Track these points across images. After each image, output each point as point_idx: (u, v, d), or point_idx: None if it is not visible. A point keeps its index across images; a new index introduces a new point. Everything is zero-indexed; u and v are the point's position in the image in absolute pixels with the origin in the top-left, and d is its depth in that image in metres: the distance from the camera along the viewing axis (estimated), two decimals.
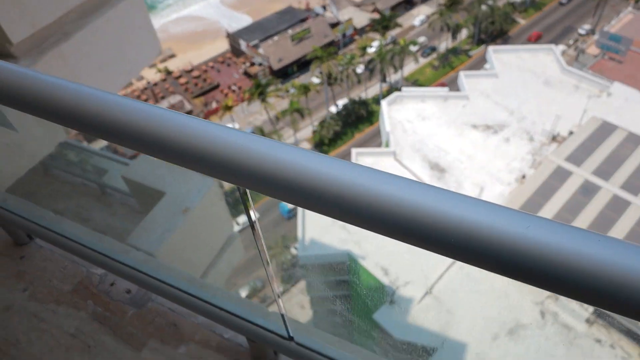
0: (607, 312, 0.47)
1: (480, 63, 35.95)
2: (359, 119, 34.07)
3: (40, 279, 1.67)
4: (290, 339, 1.19)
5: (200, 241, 4.59)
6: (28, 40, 3.13)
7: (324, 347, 1.17)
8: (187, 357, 1.44)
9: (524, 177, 22.13)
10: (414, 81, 36.44)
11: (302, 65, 38.26)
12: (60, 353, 1.47)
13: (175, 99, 36.93)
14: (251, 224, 0.83)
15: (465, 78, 28.24)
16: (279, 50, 38.22)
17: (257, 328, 1.24)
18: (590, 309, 12.21)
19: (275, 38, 39.03)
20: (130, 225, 4.35)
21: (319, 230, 16.58)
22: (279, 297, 1.06)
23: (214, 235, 4.87)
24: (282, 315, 1.13)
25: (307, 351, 1.18)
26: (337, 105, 34.22)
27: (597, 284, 0.44)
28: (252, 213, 0.80)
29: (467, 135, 24.59)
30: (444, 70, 36.93)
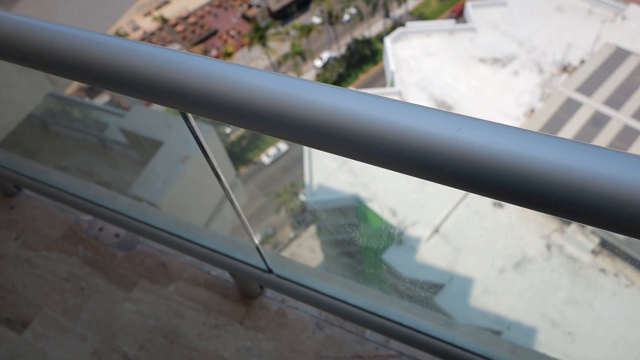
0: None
1: None
2: (363, 59, 33.06)
3: (31, 228, 1.69)
4: (270, 271, 1.20)
5: (202, 189, 4.61)
6: None
7: (302, 278, 1.18)
8: (177, 295, 1.48)
9: (532, 111, 21.65)
10: (419, 15, 34.89)
11: (302, 4, 36.66)
12: (56, 296, 1.51)
13: (173, 48, 35.99)
14: (203, 150, 0.81)
15: (472, 9, 26.91)
16: None
17: (238, 263, 1.25)
18: (596, 240, 12.35)
19: None
20: (132, 176, 4.36)
21: (326, 175, 16.65)
22: (247, 226, 1.06)
23: (216, 182, 4.87)
24: (258, 248, 1.13)
25: (287, 282, 1.20)
26: (321, 59, 32.52)
27: (529, 184, 0.41)
28: (201, 139, 0.77)
29: (475, 70, 23.84)
30: (451, 1, 35.19)
